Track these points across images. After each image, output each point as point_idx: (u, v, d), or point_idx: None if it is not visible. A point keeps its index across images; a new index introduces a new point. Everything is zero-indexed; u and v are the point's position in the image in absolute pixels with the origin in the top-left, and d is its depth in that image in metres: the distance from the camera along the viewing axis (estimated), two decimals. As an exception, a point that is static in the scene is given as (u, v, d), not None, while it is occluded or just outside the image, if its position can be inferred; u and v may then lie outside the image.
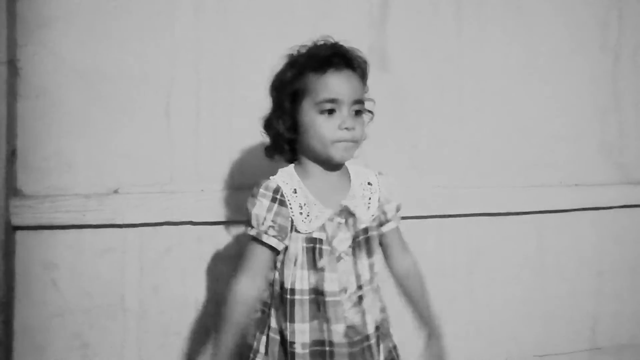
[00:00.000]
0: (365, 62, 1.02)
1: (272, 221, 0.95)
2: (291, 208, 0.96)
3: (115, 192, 1.34)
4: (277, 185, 0.97)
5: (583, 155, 1.77)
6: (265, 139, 1.04)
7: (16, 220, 1.24)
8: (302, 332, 0.94)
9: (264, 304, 1.00)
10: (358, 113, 0.99)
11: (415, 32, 1.59)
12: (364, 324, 0.98)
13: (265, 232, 0.95)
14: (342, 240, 0.98)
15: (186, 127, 1.39)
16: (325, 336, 0.95)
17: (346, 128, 0.96)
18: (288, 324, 0.95)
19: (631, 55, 1.81)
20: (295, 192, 0.97)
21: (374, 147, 1.51)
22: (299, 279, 0.95)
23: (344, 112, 0.96)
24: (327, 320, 0.95)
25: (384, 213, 1.06)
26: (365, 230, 1.01)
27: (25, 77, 1.28)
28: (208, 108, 1.41)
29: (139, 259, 1.35)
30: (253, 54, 1.45)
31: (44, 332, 1.30)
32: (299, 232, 0.96)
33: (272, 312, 0.98)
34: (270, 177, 0.99)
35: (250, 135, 1.43)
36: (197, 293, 1.40)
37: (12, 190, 1.26)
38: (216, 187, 1.40)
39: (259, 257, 0.97)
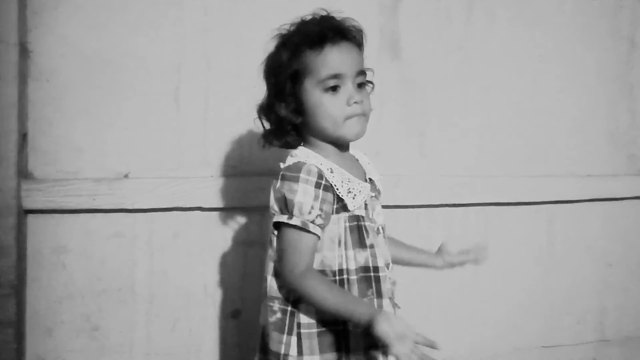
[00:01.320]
0: (360, 30, 0.98)
1: (320, 209, 0.88)
2: (337, 188, 0.91)
3: (126, 176, 1.34)
4: (318, 168, 0.90)
5: (594, 146, 1.76)
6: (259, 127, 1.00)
7: (27, 204, 1.25)
8: None
9: (284, 302, 0.93)
10: (361, 85, 0.96)
11: (426, 20, 1.58)
12: (394, 295, 0.99)
13: (312, 222, 0.88)
14: (379, 213, 0.98)
15: (195, 113, 1.39)
16: None
17: (355, 102, 0.92)
18: None
19: (646, 45, 1.79)
20: (332, 172, 0.92)
21: (381, 134, 1.51)
22: (346, 259, 0.91)
23: (349, 87, 0.93)
24: (381, 296, 0.93)
25: None
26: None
27: (35, 60, 1.28)
28: (217, 94, 1.41)
29: (149, 243, 1.36)
30: (261, 40, 1.44)
31: (54, 314, 1.31)
32: (344, 211, 0.92)
33: (302, 306, 0.91)
34: (302, 160, 0.92)
35: (259, 121, 1.43)
36: (205, 278, 1.41)
37: (24, 174, 1.27)
38: (225, 173, 1.40)
39: (310, 246, 0.89)
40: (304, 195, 0.88)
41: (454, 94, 1.61)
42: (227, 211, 1.40)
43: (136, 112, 1.36)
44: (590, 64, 1.74)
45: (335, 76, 0.92)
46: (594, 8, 1.74)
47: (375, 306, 0.92)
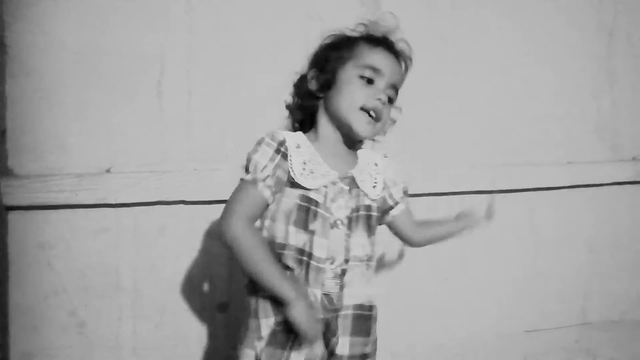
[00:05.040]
0: (410, 59, 1.04)
1: (273, 172, 0.93)
2: (291, 161, 0.94)
3: (108, 171, 1.33)
4: (284, 137, 0.95)
5: (577, 134, 1.78)
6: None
7: (8, 201, 1.24)
8: None
9: None
10: (390, 101, 0.99)
11: (410, 10, 1.58)
12: (340, 297, 0.95)
13: (263, 181, 0.93)
14: (341, 207, 0.96)
15: (178, 107, 1.39)
16: None
17: (378, 99, 0.96)
18: None
19: (626, 35, 1.81)
20: (299, 147, 0.96)
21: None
22: (287, 235, 0.93)
23: (381, 86, 0.97)
24: (308, 285, 0.92)
25: (391, 196, 1.05)
26: (368, 207, 1.00)
27: (14, 56, 1.27)
28: (199, 87, 1.40)
29: (133, 238, 1.35)
30: (244, 33, 1.44)
31: (39, 311, 1.30)
32: (296, 186, 0.94)
33: None
34: (278, 130, 0.97)
35: (242, 114, 1.43)
36: (191, 272, 1.41)
37: (4, 171, 1.25)
38: (208, 166, 1.40)
39: (252, 200, 0.92)
40: (262, 155, 0.94)
41: (439, 85, 1.62)
42: (212, 204, 1.40)
43: (118, 106, 1.35)
44: (575, 55, 1.76)
45: (375, 70, 0.96)
46: (580, 1, 1.75)
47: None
